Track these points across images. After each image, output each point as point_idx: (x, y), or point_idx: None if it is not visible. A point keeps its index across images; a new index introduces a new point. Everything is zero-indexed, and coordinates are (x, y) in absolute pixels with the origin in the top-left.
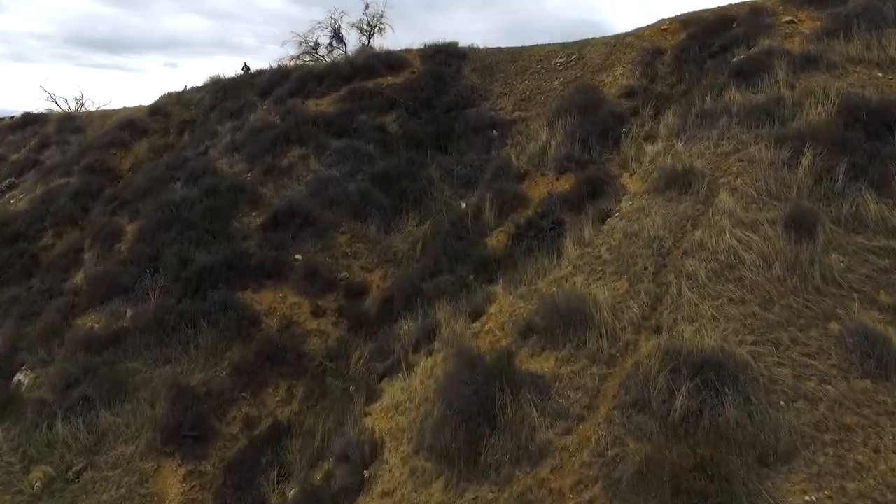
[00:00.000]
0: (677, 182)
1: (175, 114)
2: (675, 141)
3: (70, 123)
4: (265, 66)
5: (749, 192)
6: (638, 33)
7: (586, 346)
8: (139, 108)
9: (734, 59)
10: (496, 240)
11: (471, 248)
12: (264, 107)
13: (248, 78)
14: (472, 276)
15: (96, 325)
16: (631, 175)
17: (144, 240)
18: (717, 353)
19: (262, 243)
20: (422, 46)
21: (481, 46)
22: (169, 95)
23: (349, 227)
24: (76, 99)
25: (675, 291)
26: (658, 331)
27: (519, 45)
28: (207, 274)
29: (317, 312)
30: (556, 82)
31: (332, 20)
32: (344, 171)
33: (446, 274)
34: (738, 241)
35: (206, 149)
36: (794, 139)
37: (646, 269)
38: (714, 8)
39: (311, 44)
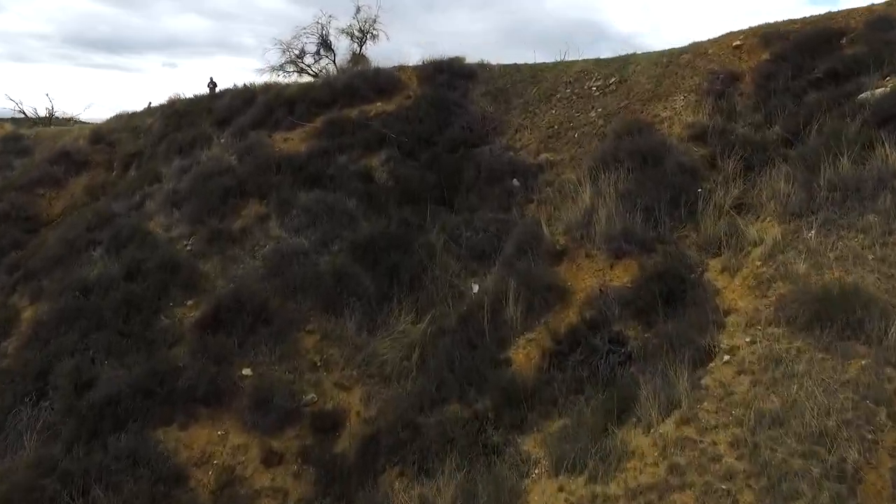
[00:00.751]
0: (833, 315)
1: (122, 142)
2: (798, 224)
3: (15, 144)
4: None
5: None
6: (698, 50)
7: None
8: (83, 129)
9: (864, 95)
10: (524, 354)
11: (488, 366)
12: (221, 141)
13: (207, 101)
14: (491, 414)
15: None
16: (726, 272)
17: (38, 340)
18: None
19: (198, 351)
20: (419, 63)
21: (493, 63)
22: (118, 118)
23: (319, 324)
24: (46, 108)
25: None
26: None
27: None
28: (113, 407)
29: (270, 459)
30: (593, 113)
31: (319, 25)
32: (314, 239)
33: (454, 403)
34: None
35: (143, 199)
36: None
37: None
38: (808, 17)
39: (296, 52)
